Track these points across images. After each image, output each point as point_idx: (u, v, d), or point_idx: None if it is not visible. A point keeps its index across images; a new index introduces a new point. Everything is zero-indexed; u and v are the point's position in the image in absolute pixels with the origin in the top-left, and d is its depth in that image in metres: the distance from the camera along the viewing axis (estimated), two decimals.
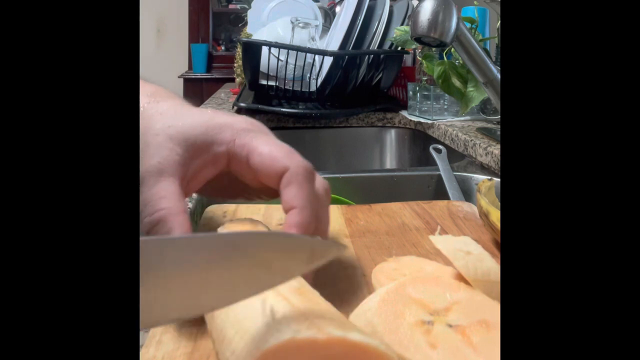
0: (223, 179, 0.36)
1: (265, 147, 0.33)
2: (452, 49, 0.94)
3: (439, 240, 0.34)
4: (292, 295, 0.24)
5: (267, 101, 1.17)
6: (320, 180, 0.35)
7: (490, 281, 0.30)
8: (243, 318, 0.23)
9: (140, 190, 0.31)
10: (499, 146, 0.77)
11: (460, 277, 0.30)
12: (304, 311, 0.23)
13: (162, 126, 0.33)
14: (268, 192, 0.37)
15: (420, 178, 0.76)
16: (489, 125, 0.95)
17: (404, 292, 0.28)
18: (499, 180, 0.49)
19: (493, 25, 1.16)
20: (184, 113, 0.35)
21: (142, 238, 0.22)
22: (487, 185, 0.47)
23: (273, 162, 0.32)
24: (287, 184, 0.32)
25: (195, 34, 3.42)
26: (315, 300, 0.25)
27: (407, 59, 1.31)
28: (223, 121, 0.34)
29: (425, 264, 0.33)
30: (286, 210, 0.32)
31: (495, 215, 0.41)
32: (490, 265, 0.31)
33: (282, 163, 0.32)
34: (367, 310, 0.27)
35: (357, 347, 0.20)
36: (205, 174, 0.34)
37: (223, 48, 3.53)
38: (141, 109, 0.35)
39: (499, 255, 0.40)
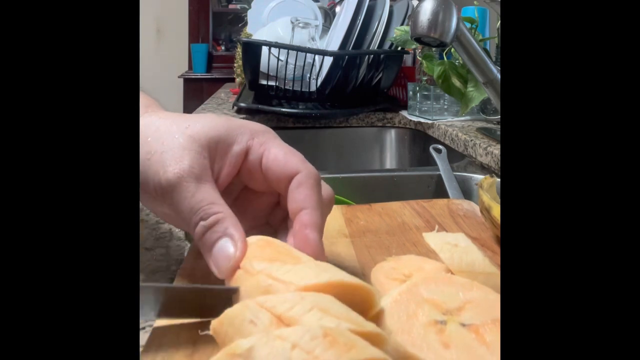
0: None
1: (279, 149, 0.35)
2: (452, 49, 0.94)
3: (430, 236, 0.34)
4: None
5: (267, 101, 1.17)
6: (325, 187, 0.36)
7: (474, 272, 0.30)
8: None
9: (173, 195, 0.31)
10: (499, 146, 0.77)
11: None
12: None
13: (179, 128, 0.33)
14: (267, 204, 0.37)
15: (420, 178, 0.76)
16: (489, 125, 0.95)
17: (416, 292, 0.27)
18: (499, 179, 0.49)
19: (493, 25, 1.16)
20: (195, 116, 0.35)
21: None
22: (489, 182, 0.47)
23: (286, 164, 0.34)
24: (297, 185, 0.33)
25: (195, 34, 3.41)
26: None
27: (407, 59, 1.31)
28: (241, 123, 0.36)
29: (424, 263, 0.33)
30: (295, 211, 0.32)
31: (497, 210, 0.41)
32: (475, 257, 0.31)
33: (295, 166, 0.33)
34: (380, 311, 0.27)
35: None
36: (226, 175, 0.34)
37: (223, 48, 3.52)
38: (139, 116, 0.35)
39: (499, 252, 0.40)
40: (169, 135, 0.33)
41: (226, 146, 0.34)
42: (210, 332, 0.25)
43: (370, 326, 0.23)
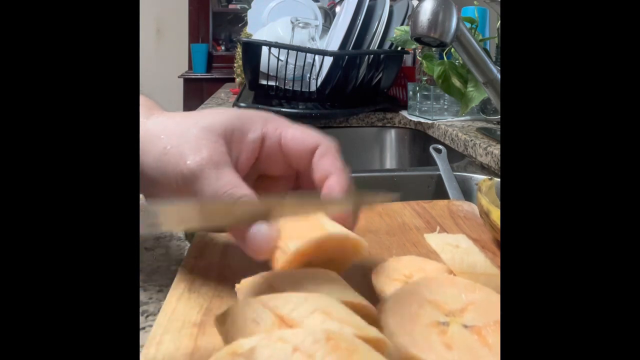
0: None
1: (295, 129, 0.36)
2: (452, 49, 0.94)
3: (432, 237, 0.34)
4: None
5: (267, 101, 1.17)
6: None
7: (475, 273, 0.30)
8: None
9: (196, 184, 0.31)
10: (499, 146, 0.77)
11: None
12: None
13: (191, 121, 0.34)
14: (284, 190, 0.38)
15: (420, 178, 0.76)
16: (489, 125, 0.95)
17: (418, 293, 0.27)
18: (499, 180, 0.49)
19: (493, 25, 1.16)
20: (202, 111, 0.36)
21: None
22: (487, 184, 0.47)
23: (305, 140, 0.35)
24: (322, 155, 0.35)
25: (195, 34, 3.42)
26: None
27: (407, 59, 1.31)
28: (252, 112, 0.37)
29: (425, 264, 0.33)
30: (322, 179, 0.34)
31: (496, 214, 0.41)
32: (476, 258, 0.31)
33: (314, 140, 0.35)
34: (381, 311, 0.27)
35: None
36: (244, 163, 0.35)
37: (223, 48, 3.52)
38: (142, 117, 0.35)
39: (499, 255, 0.40)
40: (183, 130, 0.33)
41: (241, 134, 0.35)
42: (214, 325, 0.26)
43: (372, 331, 0.23)
